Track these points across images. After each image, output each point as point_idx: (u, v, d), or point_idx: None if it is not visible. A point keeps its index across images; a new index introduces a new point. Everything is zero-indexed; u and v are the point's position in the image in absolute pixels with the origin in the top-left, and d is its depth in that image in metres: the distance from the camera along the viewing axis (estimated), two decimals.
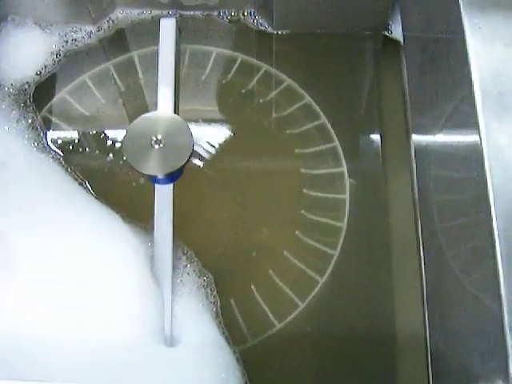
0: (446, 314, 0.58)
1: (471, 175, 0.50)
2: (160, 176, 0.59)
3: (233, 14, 0.76)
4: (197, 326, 0.59)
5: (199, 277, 0.62)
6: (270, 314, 0.62)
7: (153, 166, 0.58)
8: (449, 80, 0.55)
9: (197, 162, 0.68)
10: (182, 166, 0.59)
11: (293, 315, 0.62)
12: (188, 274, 0.62)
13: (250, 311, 0.62)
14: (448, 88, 0.56)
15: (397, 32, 0.75)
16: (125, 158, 0.58)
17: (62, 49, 0.74)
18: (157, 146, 0.58)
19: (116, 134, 0.71)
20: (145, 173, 0.58)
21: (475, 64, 0.48)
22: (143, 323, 0.58)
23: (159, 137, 0.59)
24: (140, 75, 0.74)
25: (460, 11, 0.50)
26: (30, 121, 0.69)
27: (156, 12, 0.76)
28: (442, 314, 0.59)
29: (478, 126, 0.46)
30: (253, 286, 0.63)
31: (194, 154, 0.61)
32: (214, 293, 0.61)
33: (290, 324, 0.62)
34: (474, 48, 0.48)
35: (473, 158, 0.49)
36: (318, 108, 0.71)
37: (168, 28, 0.73)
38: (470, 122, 0.49)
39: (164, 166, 0.58)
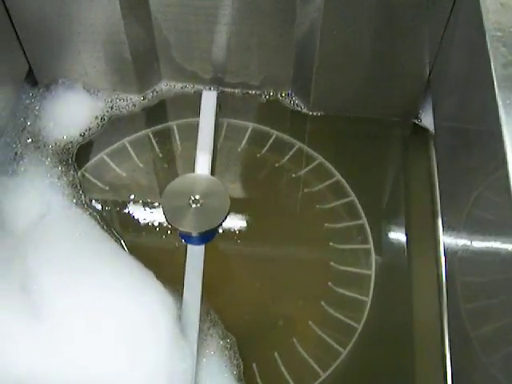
0: None
1: (501, 257, 0.52)
2: (194, 234, 0.61)
3: (271, 93, 0.81)
4: None
5: (223, 339, 0.63)
6: (291, 383, 0.62)
7: (189, 224, 0.60)
8: (481, 167, 0.57)
9: (228, 231, 0.70)
10: (217, 227, 0.61)
11: None
12: (212, 335, 0.62)
13: (271, 378, 0.62)
14: (480, 173, 0.57)
15: (426, 120, 0.78)
16: (163, 215, 0.60)
17: (106, 114, 0.78)
18: (194, 206, 0.61)
19: (152, 197, 0.73)
20: (181, 229, 0.60)
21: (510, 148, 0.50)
22: (169, 380, 0.58)
23: (197, 196, 0.61)
24: (178, 144, 0.77)
25: (494, 92, 0.53)
26: (70, 178, 0.72)
27: (198, 87, 0.81)
28: None
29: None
30: (276, 354, 0.63)
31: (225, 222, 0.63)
32: (237, 355, 0.62)
33: None
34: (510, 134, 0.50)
35: (503, 239, 0.50)
36: (347, 186, 0.74)
37: (209, 99, 0.78)
38: (500, 204, 0.50)
39: (200, 225, 0.60)
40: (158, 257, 0.68)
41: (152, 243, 0.70)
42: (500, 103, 0.52)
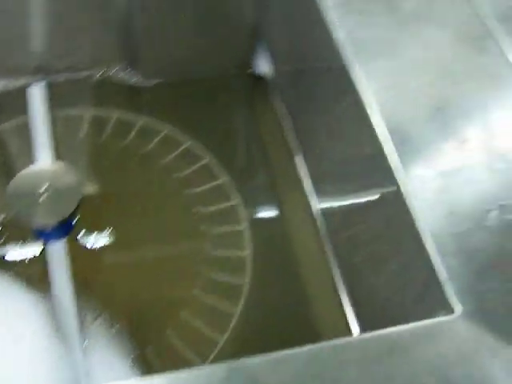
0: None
1: (361, 183, 0.53)
2: (52, 224, 0.56)
3: (102, 72, 0.76)
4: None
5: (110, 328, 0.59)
6: (192, 355, 0.59)
7: (43, 217, 0.56)
8: (329, 97, 0.58)
9: (89, 225, 0.65)
10: (73, 214, 0.57)
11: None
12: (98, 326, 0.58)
13: (169, 356, 0.59)
14: (329, 103, 0.58)
15: (263, 68, 0.77)
16: (13, 215, 0.55)
17: None
18: (44, 196, 0.56)
19: None
20: (36, 224, 0.56)
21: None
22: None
23: (45, 187, 0.57)
24: (15, 147, 0.71)
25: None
26: None
27: (22, 82, 0.75)
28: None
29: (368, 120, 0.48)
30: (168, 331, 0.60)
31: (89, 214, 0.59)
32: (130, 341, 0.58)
33: None
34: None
35: (361, 161, 0.51)
36: (201, 149, 0.71)
37: (36, 95, 0.72)
38: (353, 128, 0.51)
39: (55, 214, 0.56)
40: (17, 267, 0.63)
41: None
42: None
